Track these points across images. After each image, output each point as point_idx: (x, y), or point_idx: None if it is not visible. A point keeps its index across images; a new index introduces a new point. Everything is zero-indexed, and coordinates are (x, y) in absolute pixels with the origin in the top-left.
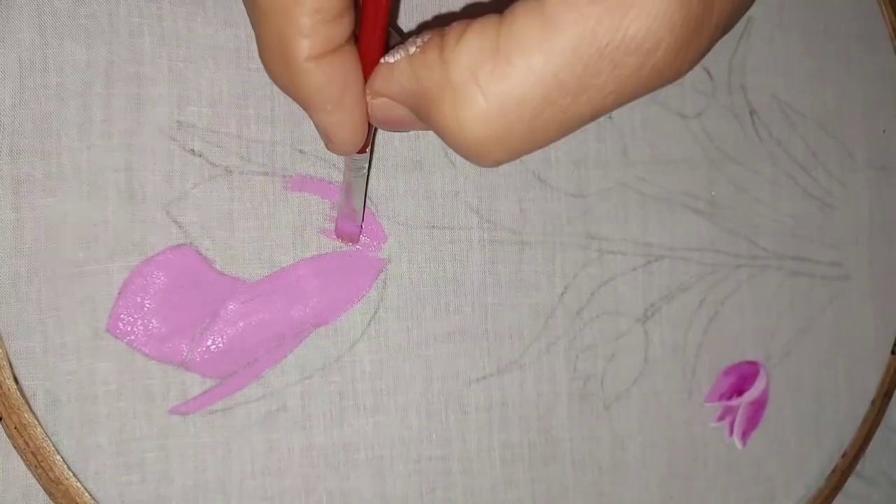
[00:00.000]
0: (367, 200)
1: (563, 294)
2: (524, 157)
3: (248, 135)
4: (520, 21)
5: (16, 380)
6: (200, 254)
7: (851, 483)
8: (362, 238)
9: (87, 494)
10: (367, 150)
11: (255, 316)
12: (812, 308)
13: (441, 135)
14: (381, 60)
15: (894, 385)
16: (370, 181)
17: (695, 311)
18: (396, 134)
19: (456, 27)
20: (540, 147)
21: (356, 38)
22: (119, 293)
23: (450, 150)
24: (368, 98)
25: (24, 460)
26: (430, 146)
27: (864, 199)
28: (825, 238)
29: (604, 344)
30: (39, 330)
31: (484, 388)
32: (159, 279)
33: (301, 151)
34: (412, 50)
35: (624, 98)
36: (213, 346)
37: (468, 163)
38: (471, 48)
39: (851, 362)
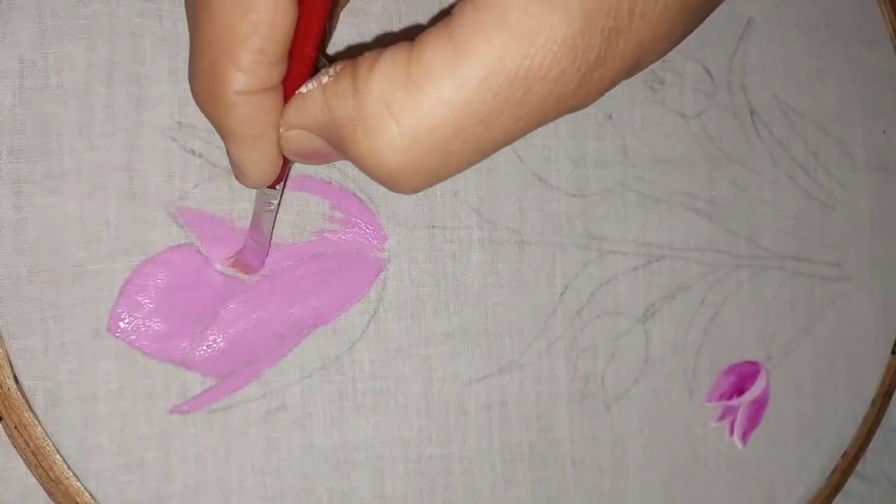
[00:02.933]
0: (368, 200)
1: (563, 294)
2: (524, 157)
3: None
4: (430, 49)
5: (16, 379)
6: (201, 253)
7: (851, 483)
8: (362, 238)
9: (87, 494)
10: (279, 186)
11: (255, 315)
12: (812, 308)
13: (357, 165)
14: (297, 91)
15: (894, 385)
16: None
17: (695, 311)
18: None
19: (368, 56)
20: (457, 172)
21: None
22: (120, 293)
23: None
24: (281, 130)
25: (24, 460)
26: None
27: (864, 199)
28: (825, 238)
29: (604, 344)
30: (40, 329)
31: (484, 387)
32: (160, 279)
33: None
34: (325, 80)
35: (535, 124)
36: (214, 346)
37: None
38: (382, 77)
39: (852, 362)
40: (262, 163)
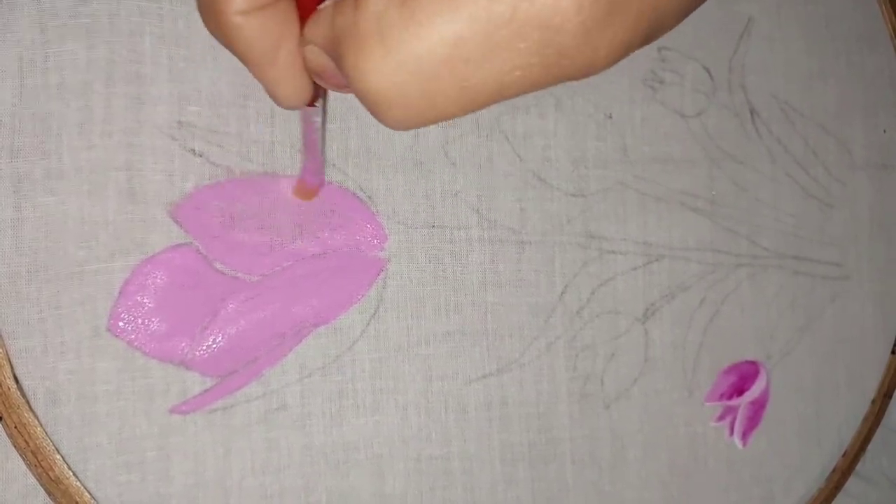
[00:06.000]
0: (368, 200)
1: (562, 293)
2: (524, 156)
3: (248, 134)
4: None
5: (16, 379)
6: (201, 253)
7: (851, 483)
8: (362, 238)
9: (86, 494)
10: (318, 102)
11: (255, 315)
12: (812, 307)
13: (349, 83)
14: (318, 7)
15: (894, 385)
16: (371, 177)
17: (695, 311)
18: (396, 133)
19: None
20: (441, 117)
21: None
22: (119, 292)
23: (450, 150)
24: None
25: (23, 459)
26: (430, 146)
27: (864, 198)
28: (825, 237)
29: (604, 343)
30: (39, 329)
31: (484, 387)
32: (160, 278)
33: (301, 151)
34: None
35: (532, 77)
36: (214, 345)
37: (468, 162)
38: None
39: (851, 362)
40: (287, 81)
